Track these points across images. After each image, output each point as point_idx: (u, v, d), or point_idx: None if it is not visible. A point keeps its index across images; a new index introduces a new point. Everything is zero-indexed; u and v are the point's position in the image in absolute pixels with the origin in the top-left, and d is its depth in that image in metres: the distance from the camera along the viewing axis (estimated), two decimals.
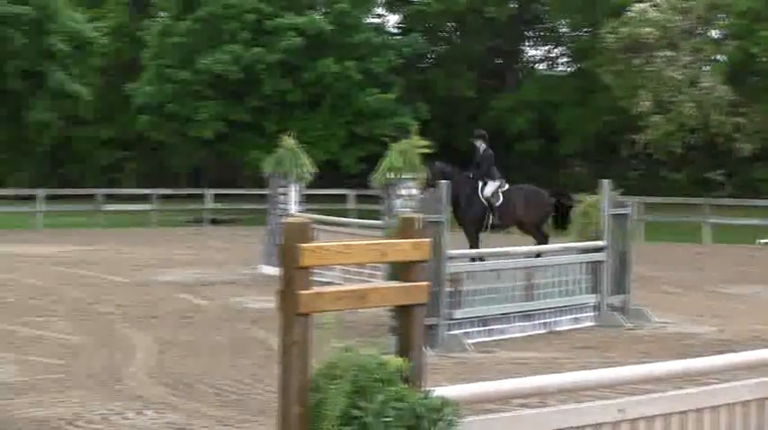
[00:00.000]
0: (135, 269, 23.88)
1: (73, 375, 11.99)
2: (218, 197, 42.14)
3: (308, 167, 23.10)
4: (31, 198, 41.15)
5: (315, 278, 5.27)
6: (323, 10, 46.67)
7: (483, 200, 21.99)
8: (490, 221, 22.01)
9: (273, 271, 20.63)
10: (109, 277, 22.37)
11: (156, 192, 42.35)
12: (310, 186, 24.22)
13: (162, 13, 49.61)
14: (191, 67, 44.38)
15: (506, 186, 22.38)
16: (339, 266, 16.62)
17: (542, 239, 21.80)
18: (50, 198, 41.52)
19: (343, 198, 41.87)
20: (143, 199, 42.56)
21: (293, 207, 22.83)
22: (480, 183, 22.01)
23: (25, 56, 41.83)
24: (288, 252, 5.13)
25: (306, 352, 5.16)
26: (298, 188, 23.10)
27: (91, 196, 42.17)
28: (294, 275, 5.13)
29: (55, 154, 54.11)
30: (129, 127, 50.12)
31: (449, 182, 20.06)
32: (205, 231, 38.10)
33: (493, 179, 22.02)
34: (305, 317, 5.15)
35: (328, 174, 36.84)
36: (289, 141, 23.20)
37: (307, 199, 24.08)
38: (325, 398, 5.11)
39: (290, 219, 5.28)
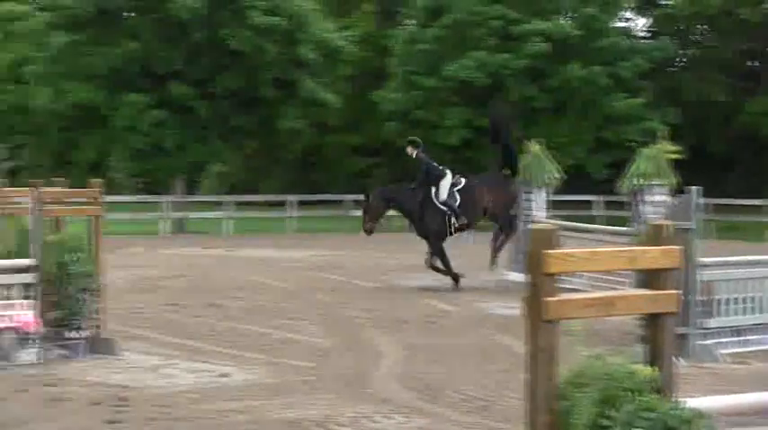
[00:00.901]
0: (381, 274, 24.18)
1: (322, 378, 12.21)
2: None
3: (554, 173, 22.94)
4: (282, 204, 42.23)
5: (561, 285, 5.21)
6: (570, 15, 46.32)
7: (439, 205, 21.33)
8: (454, 224, 21.43)
9: (519, 277, 20.57)
10: (356, 281, 22.72)
11: None
12: (556, 192, 24.06)
13: (408, 21, 50.16)
14: (437, 74, 44.71)
15: (462, 182, 21.70)
16: (586, 273, 16.42)
17: (509, 222, 21.34)
18: (301, 204, 42.49)
19: (589, 204, 41.44)
20: None
21: (539, 213, 22.70)
22: (433, 189, 21.38)
23: (277, 65, 42.89)
24: (534, 258, 5.10)
25: (553, 359, 5.11)
26: (543, 194, 22.96)
27: (339, 202, 42.98)
28: (541, 282, 5.09)
29: (305, 160, 55.36)
30: (376, 134, 50.83)
31: (396, 203, 20.18)
32: (454, 237, 38.22)
33: (441, 178, 21.41)
34: (552, 324, 5.10)
35: (574, 179, 36.51)
36: (534, 147, 23.09)
37: (553, 205, 23.92)
38: (573, 406, 5.06)
39: (536, 226, 5.24)
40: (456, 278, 21.30)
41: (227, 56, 42.51)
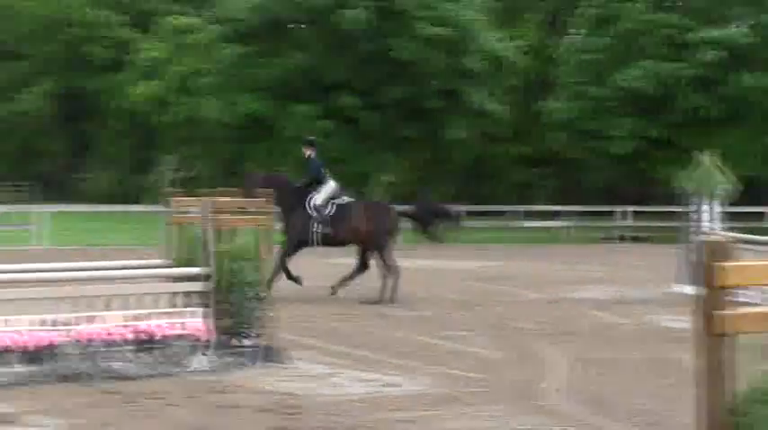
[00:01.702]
0: (549, 285, 24.02)
1: (491, 389, 12.17)
2: (636, 215, 41.83)
3: (726, 184, 22.47)
4: None
5: (733, 298, 5.10)
6: (746, 23, 45.36)
7: (309, 209, 20.61)
8: (317, 231, 20.60)
9: (690, 290, 20.21)
10: (523, 292, 22.62)
11: (569, 209, 42.51)
12: (729, 203, 23.57)
13: (576, 30, 49.80)
14: (605, 84, 44.29)
15: (345, 199, 21.08)
16: (761, 286, 16.05)
17: (385, 261, 20.54)
18: (468, 214, 42.51)
19: (761, 216, 40.56)
20: (556, 215, 42.80)
21: (710, 225, 22.27)
22: (313, 194, 20.75)
23: (444, 75, 43.01)
24: (708, 271, 5.00)
25: (726, 374, 5.01)
26: (714, 205, 22.51)
27: (505, 212, 42.87)
28: (714, 295, 4.99)
29: (471, 171, 55.34)
30: (542, 144, 50.59)
31: (273, 191, 18.86)
32: (619, 249, 37.86)
33: (323, 185, 20.78)
34: (725, 338, 5.00)
35: (748, 190, 35.76)
36: (705, 158, 22.67)
37: (725, 216, 23.44)
38: (754, 423, 4.94)
39: (709, 238, 5.14)
40: (272, 279, 19.14)
41: (393, 66, 42.80)
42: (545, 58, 51.30)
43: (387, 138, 43.64)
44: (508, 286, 23.92)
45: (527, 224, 41.93)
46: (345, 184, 43.65)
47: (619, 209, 42.25)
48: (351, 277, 21.32)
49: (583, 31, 48.14)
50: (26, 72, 77.64)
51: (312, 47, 43.51)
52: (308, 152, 21.56)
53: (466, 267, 28.77)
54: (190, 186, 59.23)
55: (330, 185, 21.26)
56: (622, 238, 40.94)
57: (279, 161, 46.01)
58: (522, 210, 43.18)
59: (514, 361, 14.14)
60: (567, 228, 42.30)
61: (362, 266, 21.34)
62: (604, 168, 49.31)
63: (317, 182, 21.23)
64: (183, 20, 64.33)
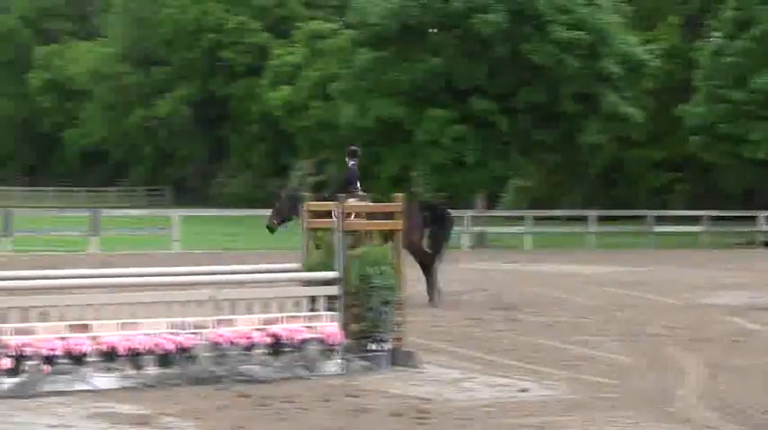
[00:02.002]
0: (684, 291, 23.69)
1: (622, 395, 12.04)
2: None
3: None
4: (582, 219, 42.00)
5: None
6: None
7: None
8: None
9: None
10: (658, 298, 22.35)
11: (706, 214, 41.95)
12: None
13: (715, 33, 49.03)
14: (744, 87, 43.53)
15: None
16: None
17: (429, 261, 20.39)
18: (602, 219, 42.15)
19: None
20: (693, 220, 42.23)
21: None
22: None
23: (579, 79, 42.67)
24: None
25: None
26: None
27: (641, 217, 42.43)
28: None
29: (606, 175, 54.86)
30: (679, 148, 49.90)
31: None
32: (758, 254, 37.18)
33: (352, 196, 19.91)
34: None
35: None
36: None
37: None
38: None
39: None
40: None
41: (528, 70, 42.62)
42: (683, 62, 50.63)
43: (521, 142, 43.45)
44: (640, 291, 23.66)
45: (663, 229, 41.45)
46: (479, 188, 43.78)
47: (759, 213, 41.56)
48: (431, 283, 21.20)
49: (721, 33, 47.37)
50: (165, 78, 79.17)
51: (447, 51, 43.51)
52: (352, 162, 21.82)
53: (597, 272, 28.53)
54: (325, 191, 59.84)
55: (358, 194, 21.19)
56: (767, 244, 40.29)
57: (413, 164, 46.18)
58: (658, 214, 42.74)
59: (646, 367, 13.98)
60: (705, 232, 41.69)
61: (426, 270, 21.19)
62: (743, 173, 48.46)
63: (341, 191, 20.81)
64: (319, 25, 64.94)
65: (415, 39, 44.26)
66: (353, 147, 22.55)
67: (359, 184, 21.48)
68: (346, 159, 22.06)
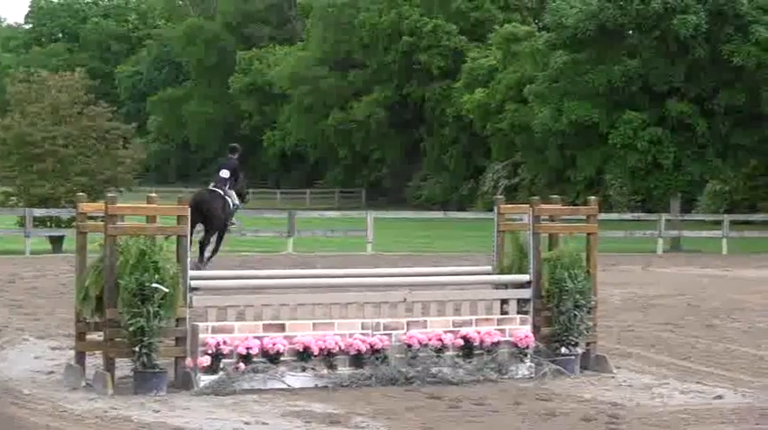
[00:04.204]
0: None
1: None
2: None
3: None
4: None
5: None
6: None
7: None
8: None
9: None
10: None
11: None
12: None
13: None
14: None
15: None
16: None
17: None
18: None
19: None
20: None
21: None
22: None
23: None
24: None
25: None
26: None
27: None
28: None
29: None
30: None
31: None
32: None
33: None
34: None
35: None
36: None
37: None
38: None
39: None
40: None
41: (729, 72, 41.77)
42: None
43: (719, 145, 42.60)
44: None
45: None
46: (676, 191, 43.09)
47: None
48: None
49: None
50: (362, 81, 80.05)
51: (644, 53, 42.93)
52: (233, 156, 23.39)
53: None
54: (517, 193, 59.74)
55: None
56: None
57: (607, 167, 45.72)
58: None
59: None
60: None
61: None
62: None
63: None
64: (515, 27, 64.82)
65: (612, 40, 43.81)
66: (231, 144, 24.50)
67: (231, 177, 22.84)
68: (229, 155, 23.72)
